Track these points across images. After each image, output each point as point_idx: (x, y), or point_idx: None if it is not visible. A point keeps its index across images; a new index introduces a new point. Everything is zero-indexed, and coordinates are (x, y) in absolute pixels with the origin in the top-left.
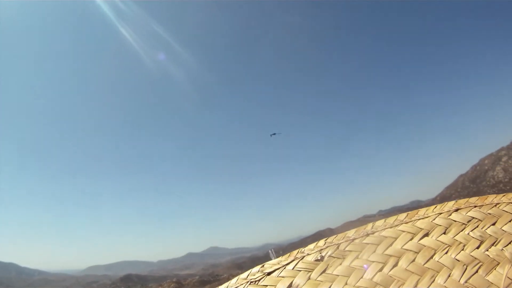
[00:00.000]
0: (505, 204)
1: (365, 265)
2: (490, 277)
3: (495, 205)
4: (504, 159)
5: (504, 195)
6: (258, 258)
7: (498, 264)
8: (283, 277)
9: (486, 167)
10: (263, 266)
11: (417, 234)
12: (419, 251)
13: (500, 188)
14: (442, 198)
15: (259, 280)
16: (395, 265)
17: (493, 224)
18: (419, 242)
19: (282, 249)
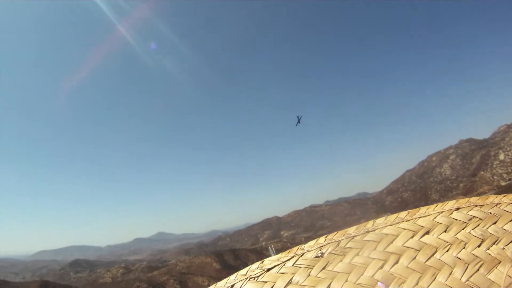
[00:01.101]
0: (506, 204)
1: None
2: (491, 276)
3: (496, 205)
4: (452, 157)
5: (505, 196)
6: (205, 244)
7: (499, 263)
8: (283, 273)
9: (434, 164)
10: (262, 262)
11: (418, 232)
12: (420, 249)
13: (447, 185)
14: (389, 191)
15: (258, 277)
16: (396, 262)
17: (494, 223)
18: (420, 240)
19: (229, 236)
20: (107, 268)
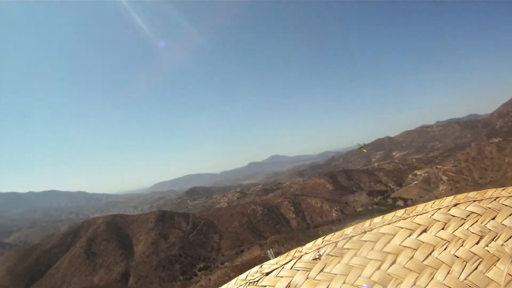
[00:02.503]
0: (505, 198)
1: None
2: (490, 274)
3: (495, 199)
4: None
5: (503, 189)
6: (318, 165)
7: (498, 260)
8: (281, 277)
9: None
10: (261, 266)
11: (415, 231)
12: (418, 248)
13: None
14: (499, 114)
15: (258, 281)
16: (394, 262)
17: (493, 219)
18: (417, 238)
19: (342, 157)
20: (223, 193)
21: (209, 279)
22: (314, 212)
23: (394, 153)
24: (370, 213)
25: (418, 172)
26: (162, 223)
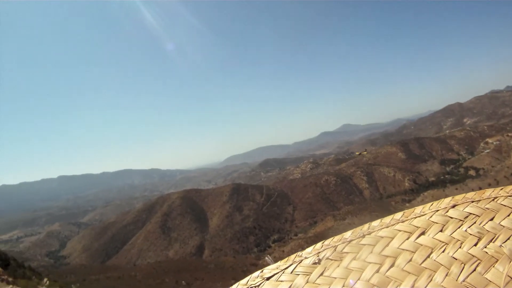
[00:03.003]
0: (503, 197)
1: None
2: (488, 275)
3: (493, 199)
4: None
5: (501, 189)
6: (390, 133)
7: (496, 261)
8: (282, 281)
9: None
10: (262, 271)
11: (413, 233)
12: (416, 251)
13: None
14: None
15: (259, 285)
16: (392, 265)
17: (491, 220)
18: (415, 241)
19: (413, 124)
20: (296, 165)
21: (283, 251)
22: (386, 182)
23: (465, 120)
24: (442, 183)
25: (490, 140)
26: (236, 196)
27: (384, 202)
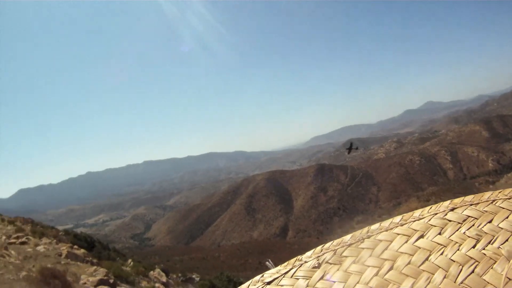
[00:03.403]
0: (501, 200)
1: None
2: (486, 277)
3: (492, 202)
4: None
5: (500, 192)
6: (473, 110)
7: (495, 263)
8: (282, 285)
9: None
10: (263, 275)
11: (412, 236)
12: (414, 254)
13: None
14: None
15: None
16: (391, 268)
17: (490, 222)
18: (414, 244)
19: (496, 101)
20: (380, 144)
21: None
22: (470, 162)
23: None
24: None
25: None
26: (321, 177)
27: (468, 183)
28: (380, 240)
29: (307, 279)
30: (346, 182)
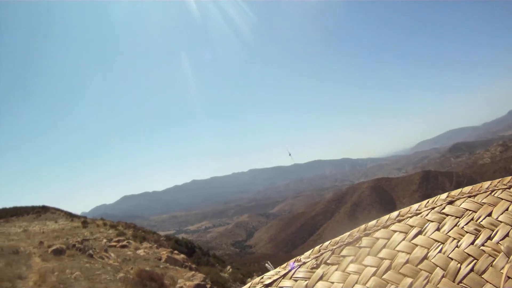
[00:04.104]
0: (500, 190)
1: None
2: (485, 275)
3: (491, 193)
4: None
5: (499, 181)
6: None
7: (494, 260)
8: (282, 287)
9: None
10: (262, 278)
11: (409, 233)
12: (412, 252)
13: None
14: None
15: None
16: (389, 268)
17: (489, 215)
18: (412, 242)
19: None
20: (486, 148)
21: None
22: None
23: None
24: None
25: None
26: (425, 184)
27: None
28: (378, 238)
29: (306, 280)
30: (451, 189)
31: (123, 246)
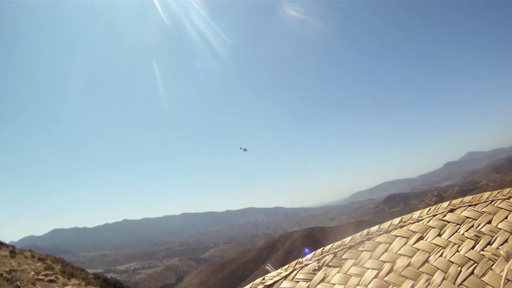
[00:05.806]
0: (500, 200)
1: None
2: (485, 278)
3: (490, 202)
4: None
5: (499, 192)
6: None
7: (493, 264)
8: None
9: None
10: (263, 279)
11: (411, 238)
12: (414, 255)
13: None
14: None
15: None
16: (391, 270)
17: (489, 223)
18: (413, 246)
19: None
20: (421, 199)
21: None
22: None
23: None
24: None
25: None
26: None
27: None
28: (380, 242)
29: (307, 281)
30: None
31: (51, 281)
